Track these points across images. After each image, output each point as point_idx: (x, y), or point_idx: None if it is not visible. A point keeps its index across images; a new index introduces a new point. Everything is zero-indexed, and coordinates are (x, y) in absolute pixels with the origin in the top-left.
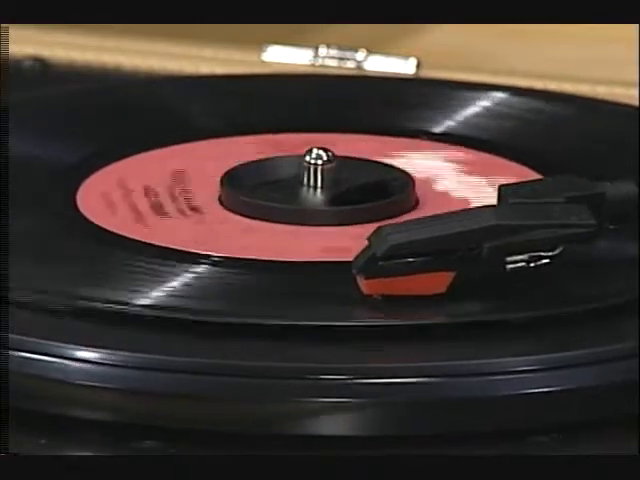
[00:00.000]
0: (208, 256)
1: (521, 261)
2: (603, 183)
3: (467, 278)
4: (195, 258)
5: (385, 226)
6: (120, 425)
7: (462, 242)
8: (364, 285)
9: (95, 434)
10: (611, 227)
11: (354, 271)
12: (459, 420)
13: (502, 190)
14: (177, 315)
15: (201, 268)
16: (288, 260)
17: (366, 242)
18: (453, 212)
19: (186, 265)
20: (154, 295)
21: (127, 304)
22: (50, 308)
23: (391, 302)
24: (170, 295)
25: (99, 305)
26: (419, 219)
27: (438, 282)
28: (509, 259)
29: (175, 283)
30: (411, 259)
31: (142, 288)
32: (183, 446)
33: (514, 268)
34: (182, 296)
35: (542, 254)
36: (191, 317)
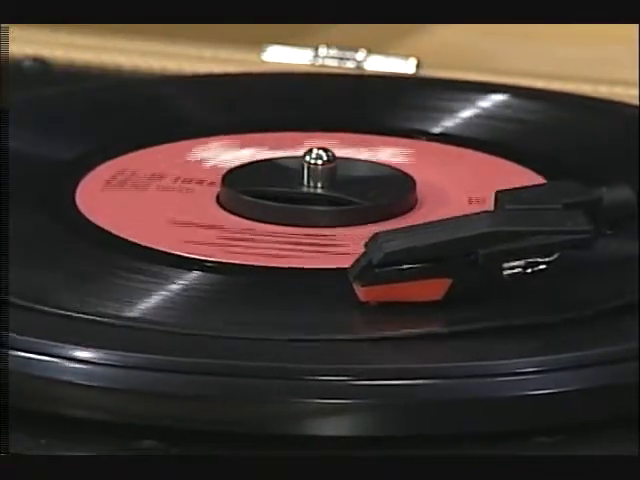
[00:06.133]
0: (207, 261)
1: (518, 267)
2: (600, 188)
3: (464, 285)
4: (193, 264)
5: (381, 232)
6: (120, 425)
7: (458, 249)
8: (360, 292)
9: (95, 434)
10: (608, 232)
11: (350, 278)
12: (460, 421)
13: (499, 196)
14: (169, 329)
15: (200, 274)
16: (287, 265)
17: (365, 244)
18: (449, 218)
19: (184, 271)
20: (148, 306)
21: (119, 317)
22: (50, 309)
23: (388, 309)
24: (165, 307)
25: (95, 310)
26: (415, 225)
27: (435, 289)
28: (506, 265)
29: (171, 291)
30: (407, 266)
31: (138, 295)
32: (183, 446)
33: (511, 274)
34: (177, 308)
35: (539, 260)
36: (186, 332)
